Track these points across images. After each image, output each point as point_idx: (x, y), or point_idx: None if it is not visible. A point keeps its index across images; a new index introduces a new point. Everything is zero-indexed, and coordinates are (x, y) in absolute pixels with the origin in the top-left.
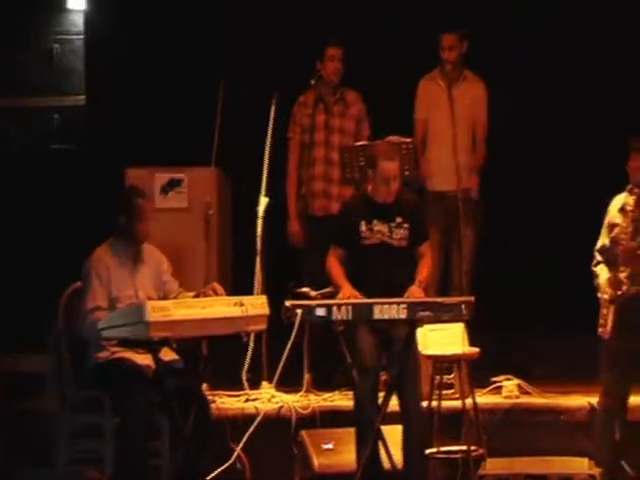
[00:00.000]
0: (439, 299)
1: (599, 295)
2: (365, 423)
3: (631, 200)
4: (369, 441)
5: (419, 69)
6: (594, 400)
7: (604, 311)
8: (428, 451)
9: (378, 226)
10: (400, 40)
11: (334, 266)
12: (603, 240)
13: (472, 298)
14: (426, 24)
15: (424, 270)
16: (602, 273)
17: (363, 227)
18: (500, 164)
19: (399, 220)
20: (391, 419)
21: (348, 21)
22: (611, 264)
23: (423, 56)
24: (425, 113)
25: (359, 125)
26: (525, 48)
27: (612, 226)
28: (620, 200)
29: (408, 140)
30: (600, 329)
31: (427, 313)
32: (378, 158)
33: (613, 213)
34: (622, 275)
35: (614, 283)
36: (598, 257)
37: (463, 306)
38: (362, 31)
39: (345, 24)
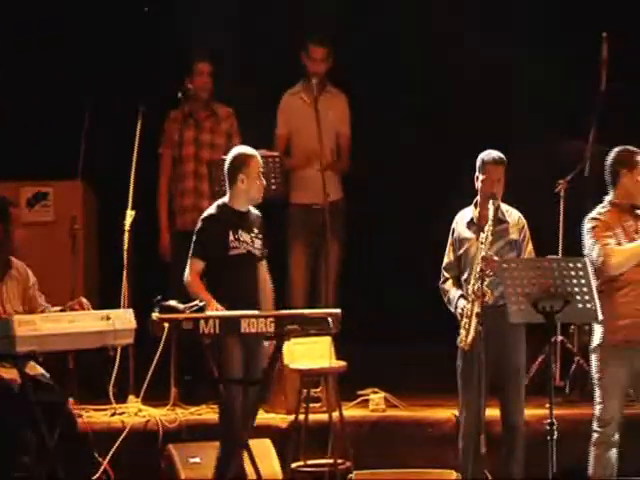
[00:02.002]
0: (306, 312)
1: (452, 310)
2: (232, 437)
3: (489, 213)
4: (235, 455)
5: (289, 83)
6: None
7: (465, 322)
8: (294, 465)
9: (243, 236)
10: (270, 55)
11: (195, 281)
12: (449, 257)
13: (339, 311)
14: (295, 38)
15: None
16: (452, 289)
17: (231, 237)
18: (364, 176)
19: (256, 231)
20: (258, 433)
21: (219, 36)
22: (475, 276)
23: (293, 71)
24: (287, 128)
25: (230, 140)
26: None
27: (461, 241)
28: (467, 214)
29: (276, 154)
30: (461, 340)
31: (294, 326)
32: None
33: (460, 228)
34: (485, 286)
35: (479, 294)
36: (445, 274)
37: (330, 319)
38: (233, 46)
39: (216, 39)
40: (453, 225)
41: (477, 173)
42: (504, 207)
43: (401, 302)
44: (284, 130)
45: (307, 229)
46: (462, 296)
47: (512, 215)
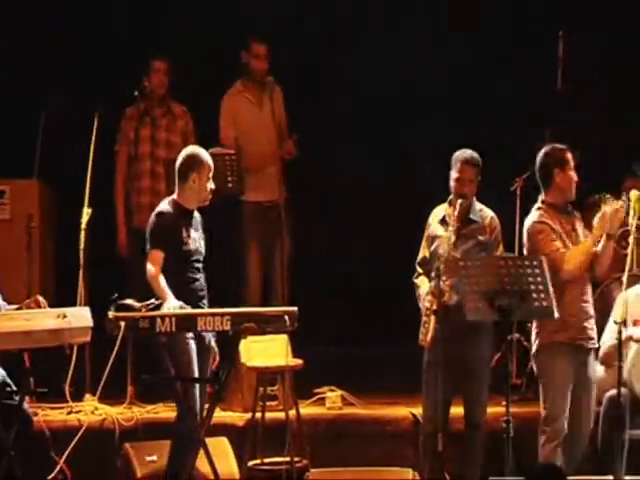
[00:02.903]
0: (263, 310)
1: (420, 305)
2: (188, 435)
3: (451, 211)
4: (191, 453)
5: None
6: (417, 411)
7: (425, 320)
8: (251, 463)
9: (193, 233)
10: (224, 53)
11: (157, 275)
12: (424, 252)
13: (295, 309)
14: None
15: None
16: (423, 285)
17: (184, 233)
18: (321, 173)
19: (200, 230)
20: (215, 431)
21: (175, 35)
22: (434, 275)
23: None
24: (235, 130)
25: (185, 139)
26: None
27: (433, 238)
28: (440, 211)
29: (232, 152)
30: (421, 338)
31: (251, 325)
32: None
33: (434, 225)
34: (444, 285)
35: (436, 292)
36: (419, 269)
37: (287, 317)
38: (190, 44)
39: (172, 38)
40: (429, 221)
41: (451, 171)
42: (478, 206)
43: (360, 301)
44: (232, 132)
45: (260, 227)
46: (428, 293)
47: (485, 215)
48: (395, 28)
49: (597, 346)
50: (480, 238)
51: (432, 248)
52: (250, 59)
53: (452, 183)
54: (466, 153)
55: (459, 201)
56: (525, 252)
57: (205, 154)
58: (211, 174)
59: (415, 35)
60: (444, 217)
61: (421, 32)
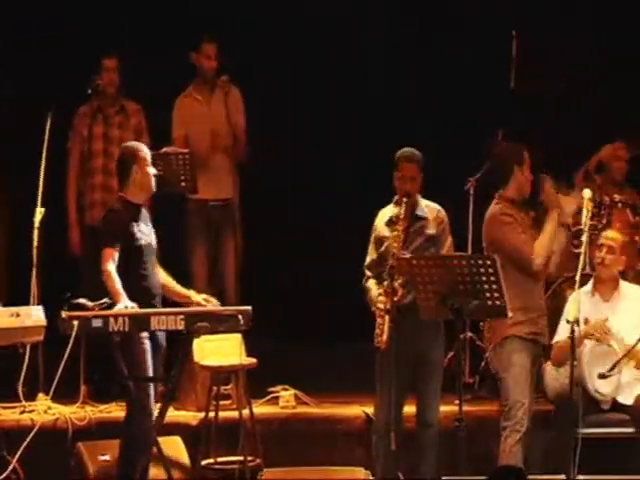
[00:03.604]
0: (217, 309)
1: (373, 309)
2: (140, 435)
3: (401, 211)
4: (143, 453)
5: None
6: (370, 410)
7: (379, 321)
8: (204, 462)
9: (143, 227)
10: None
11: (111, 274)
12: (372, 255)
13: (249, 308)
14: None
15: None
16: (373, 287)
17: (135, 228)
18: (267, 171)
19: (150, 224)
20: (168, 430)
21: (127, 33)
22: (386, 274)
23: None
24: (184, 130)
25: (139, 136)
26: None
27: (381, 240)
28: (387, 213)
29: (185, 151)
30: (377, 340)
31: (204, 324)
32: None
33: (380, 227)
34: (396, 284)
35: (390, 292)
36: (368, 273)
37: (240, 316)
38: (143, 42)
39: (124, 37)
40: (375, 223)
41: (395, 171)
42: (424, 202)
43: (313, 300)
44: (181, 132)
45: (206, 225)
46: (380, 294)
47: (431, 210)
48: (355, 28)
49: (548, 344)
50: (428, 232)
51: (381, 250)
52: (200, 59)
53: (396, 182)
54: (406, 151)
55: (404, 199)
56: (486, 245)
57: (139, 145)
58: (149, 161)
59: (373, 35)
60: (391, 218)
61: (377, 32)
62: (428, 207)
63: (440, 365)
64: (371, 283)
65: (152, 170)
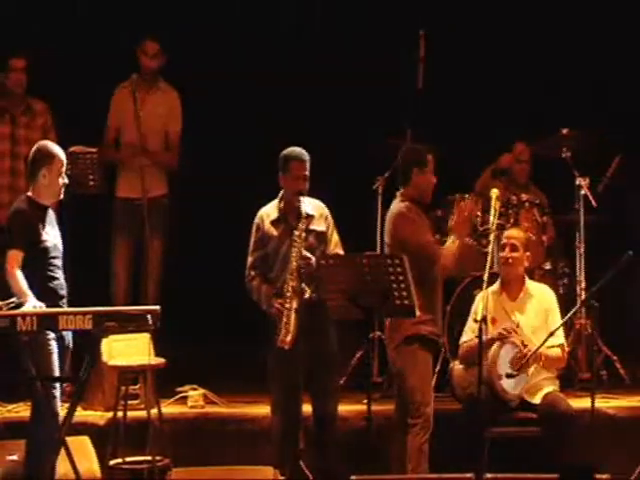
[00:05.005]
0: (125, 309)
1: (264, 308)
2: (47, 435)
3: (284, 209)
4: (51, 453)
5: (112, 79)
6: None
7: (285, 320)
8: (113, 462)
9: (49, 229)
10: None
11: (16, 275)
12: (256, 254)
13: (158, 308)
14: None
15: None
16: (262, 286)
17: (40, 229)
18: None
19: (56, 226)
20: (76, 430)
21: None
22: (291, 275)
23: (118, 67)
24: (117, 121)
25: (46, 136)
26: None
27: (268, 239)
28: (272, 212)
29: (93, 150)
30: (281, 339)
31: (112, 323)
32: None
33: (267, 225)
34: (303, 284)
35: (298, 292)
36: (252, 272)
37: (149, 316)
38: (52, 41)
39: (32, 35)
40: (257, 222)
41: (281, 170)
42: (307, 200)
43: (221, 300)
44: (113, 122)
45: (130, 224)
46: (276, 294)
47: (316, 206)
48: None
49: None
50: (317, 229)
51: (268, 249)
52: (141, 56)
53: (287, 182)
54: (296, 151)
55: (300, 198)
56: (390, 242)
57: (55, 148)
58: (63, 168)
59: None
60: (278, 217)
61: (288, 34)
62: (312, 204)
63: (337, 361)
64: (258, 282)
65: (62, 180)
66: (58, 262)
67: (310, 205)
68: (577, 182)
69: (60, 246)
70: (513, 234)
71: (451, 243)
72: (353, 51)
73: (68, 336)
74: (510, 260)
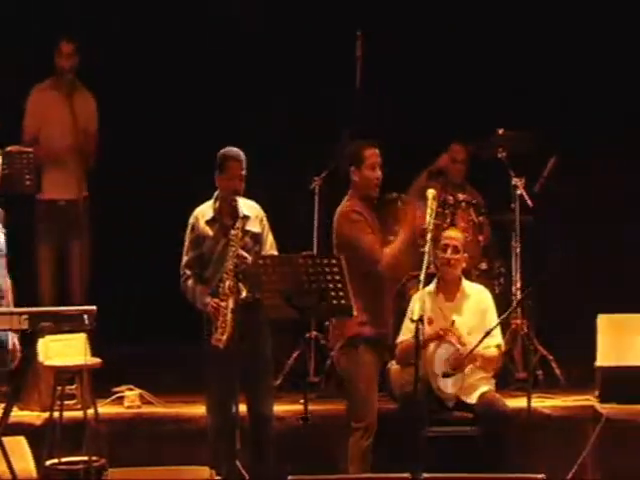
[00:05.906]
0: (61, 309)
1: (200, 307)
2: None
3: (219, 209)
4: None
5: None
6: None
7: (221, 319)
8: (49, 462)
9: None
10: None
11: None
12: (191, 254)
13: (94, 308)
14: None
15: None
16: (197, 286)
17: None
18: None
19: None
20: (12, 430)
21: None
22: (228, 275)
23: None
24: (36, 122)
25: None
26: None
27: (203, 238)
28: (207, 211)
29: (29, 150)
30: (217, 337)
31: (48, 323)
32: None
33: (202, 225)
34: (240, 283)
35: (234, 291)
36: (187, 272)
37: (85, 316)
38: None
39: None
40: (192, 221)
41: (217, 170)
42: (242, 201)
43: (158, 300)
44: (32, 121)
45: (55, 225)
46: (211, 294)
47: (251, 208)
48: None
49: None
50: (253, 230)
51: (203, 249)
52: (57, 56)
53: (223, 181)
54: (232, 150)
55: (238, 198)
56: (334, 241)
57: None
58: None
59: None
60: (213, 217)
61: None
62: (247, 205)
63: (271, 360)
64: (192, 282)
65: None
66: (1, 262)
67: (245, 206)
68: (513, 182)
69: (2, 246)
70: (454, 235)
71: (397, 242)
72: (291, 50)
73: (4, 336)
74: (452, 262)
